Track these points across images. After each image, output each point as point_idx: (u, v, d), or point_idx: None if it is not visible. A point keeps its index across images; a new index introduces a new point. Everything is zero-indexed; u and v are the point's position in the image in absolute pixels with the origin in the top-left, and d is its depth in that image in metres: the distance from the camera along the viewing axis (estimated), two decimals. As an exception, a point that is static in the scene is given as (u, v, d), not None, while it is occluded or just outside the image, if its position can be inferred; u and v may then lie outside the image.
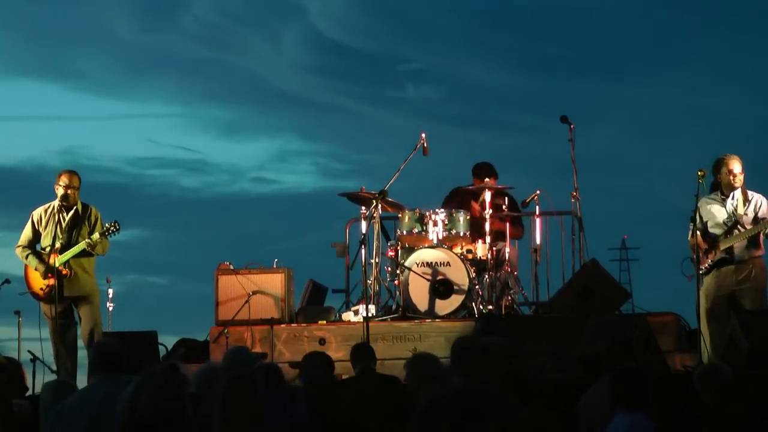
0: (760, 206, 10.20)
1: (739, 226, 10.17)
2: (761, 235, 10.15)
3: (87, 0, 23.67)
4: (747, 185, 10.31)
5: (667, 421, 6.56)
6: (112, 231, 10.77)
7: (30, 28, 23.41)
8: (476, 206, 11.90)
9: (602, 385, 6.72)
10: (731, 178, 10.19)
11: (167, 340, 11.36)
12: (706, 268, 10.21)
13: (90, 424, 5.90)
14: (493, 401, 5.74)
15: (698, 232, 10.20)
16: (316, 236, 18.49)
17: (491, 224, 11.64)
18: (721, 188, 10.27)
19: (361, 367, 8.36)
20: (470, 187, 12.08)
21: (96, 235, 10.73)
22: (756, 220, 10.17)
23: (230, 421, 5.50)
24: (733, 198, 10.24)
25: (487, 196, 11.68)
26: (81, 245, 10.73)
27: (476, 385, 5.80)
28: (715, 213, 10.26)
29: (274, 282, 11.46)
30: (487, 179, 12.00)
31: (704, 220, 10.29)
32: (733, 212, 10.21)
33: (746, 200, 10.19)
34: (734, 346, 9.53)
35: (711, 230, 10.27)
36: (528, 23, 23.16)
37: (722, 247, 10.16)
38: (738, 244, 10.15)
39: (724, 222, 10.24)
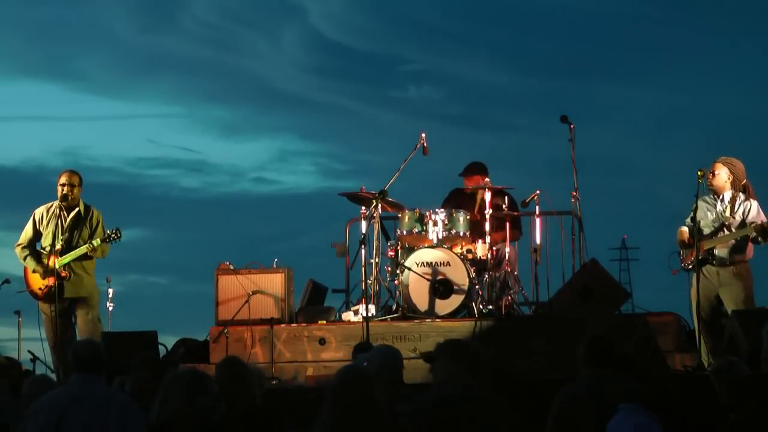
0: (749, 210, 10.23)
1: (724, 229, 10.22)
2: (748, 239, 10.17)
3: (87, 1, 23.71)
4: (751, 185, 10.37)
5: (668, 421, 6.56)
6: (114, 238, 10.78)
7: (31, 29, 23.45)
8: (476, 214, 11.89)
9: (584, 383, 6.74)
10: (707, 178, 10.27)
11: (167, 340, 11.38)
12: (689, 263, 10.24)
13: (57, 421, 5.91)
14: (485, 404, 5.74)
15: (686, 228, 10.28)
16: (316, 236, 18.51)
17: (491, 229, 11.63)
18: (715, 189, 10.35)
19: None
20: (469, 188, 12.07)
21: (97, 241, 10.75)
22: (743, 224, 10.21)
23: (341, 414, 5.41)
24: (723, 200, 10.30)
25: (487, 196, 11.68)
26: (82, 249, 10.74)
27: (469, 388, 5.80)
28: (707, 213, 10.33)
29: (274, 282, 11.46)
30: (485, 180, 11.99)
31: (698, 218, 10.35)
32: (721, 214, 10.26)
33: (734, 204, 10.22)
34: (734, 346, 9.53)
35: (702, 229, 10.32)
36: (528, 24, 23.18)
37: (705, 247, 10.21)
38: (721, 247, 10.18)
39: (711, 222, 10.29)
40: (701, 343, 10.11)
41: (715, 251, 10.20)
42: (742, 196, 10.28)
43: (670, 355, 10.32)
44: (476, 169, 12.19)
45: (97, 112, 23.97)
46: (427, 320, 11.08)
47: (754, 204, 10.25)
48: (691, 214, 10.27)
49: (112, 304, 11.47)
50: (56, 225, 10.83)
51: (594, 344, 6.76)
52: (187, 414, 5.16)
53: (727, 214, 10.24)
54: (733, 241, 10.18)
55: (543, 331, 10.72)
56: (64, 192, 10.88)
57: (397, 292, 11.35)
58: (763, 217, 10.20)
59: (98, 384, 6.09)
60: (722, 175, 10.28)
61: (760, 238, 10.07)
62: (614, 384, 6.51)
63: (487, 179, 12.02)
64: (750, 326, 9.39)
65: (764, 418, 6.36)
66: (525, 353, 10.37)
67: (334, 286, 12.31)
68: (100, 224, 10.95)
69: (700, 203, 10.33)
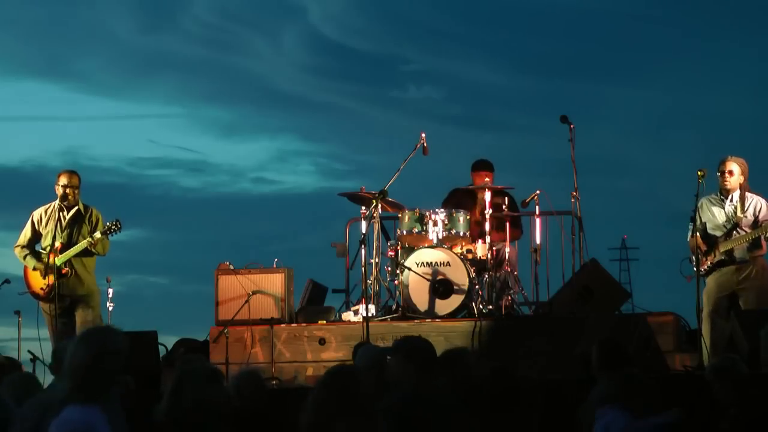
0: (760, 209, 10.19)
1: (738, 229, 10.18)
2: (762, 236, 10.16)
3: (87, 1, 23.70)
4: (749, 185, 10.34)
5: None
6: (114, 230, 10.78)
7: (30, 29, 23.44)
8: (477, 214, 11.88)
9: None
10: (721, 179, 10.23)
11: (167, 340, 11.37)
12: (705, 269, 10.22)
13: (37, 423, 5.89)
14: (439, 407, 5.74)
15: (698, 233, 10.23)
16: (316, 236, 18.51)
17: (491, 229, 11.64)
18: (720, 190, 10.30)
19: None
20: (469, 187, 12.07)
21: (98, 234, 10.75)
22: (755, 222, 10.18)
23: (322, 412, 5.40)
24: (732, 200, 10.25)
25: (487, 195, 11.68)
26: (82, 244, 10.74)
27: (425, 390, 5.81)
28: (715, 214, 10.28)
29: (274, 282, 11.46)
30: (486, 178, 11.99)
31: (704, 220, 10.31)
32: (732, 214, 10.21)
33: (743, 203, 10.19)
34: (734, 346, 9.53)
35: (711, 231, 10.28)
36: (528, 24, 23.18)
37: (722, 249, 10.17)
38: (738, 246, 10.16)
39: (723, 224, 10.24)
40: (702, 343, 10.09)
41: (734, 252, 10.17)
42: (749, 194, 10.25)
43: (670, 355, 10.31)
44: (485, 166, 12.19)
45: (97, 112, 23.97)
46: (427, 320, 11.08)
47: (764, 202, 10.23)
48: (692, 215, 10.25)
49: (112, 304, 11.46)
50: (55, 224, 10.83)
51: (606, 347, 6.77)
52: (200, 406, 5.14)
53: (739, 213, 10.19)
54: (746, 241, 10.16)
55: (543, 331, 10.72)
56: (65, 193, 10.88)
57: (397, 292, 11.35)
58: None
59: None
60: (736, 175, 10.22)
61: None
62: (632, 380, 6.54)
63: (487, 179, 12.02)
64: (750, 326, 9.39)
65: (765, 414, 6.37)
66: (525, 353, 10.37)
67: (334, 286, 12.32)
68: (100, 221, 10.94)
69: (706, 204, 10.29)
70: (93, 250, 10.80)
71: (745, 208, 10.19)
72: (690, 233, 10.27)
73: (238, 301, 11.36)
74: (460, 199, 12.12)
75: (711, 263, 10.20)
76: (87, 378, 4.78)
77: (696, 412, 7.46)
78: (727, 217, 10.23)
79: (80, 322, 10.82)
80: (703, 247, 10.23)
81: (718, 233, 10.25)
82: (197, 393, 5.06)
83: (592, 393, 6.74)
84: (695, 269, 10.22)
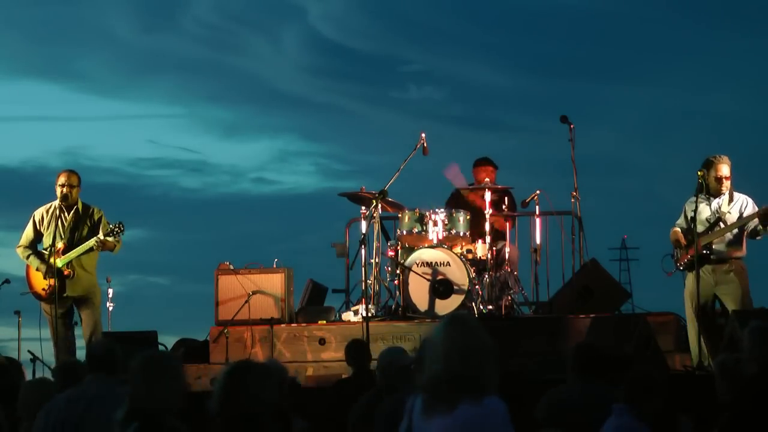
0: (746, 207, 10.14)
1: (721, 223, 10.13)
2: (744, 235, 10.12)
3: (88, 1, 23.71)
4: (746, 185, 10.32)
5: (667, 421, 6.55)
6: (117, 232, 10.75)
7: (31, 29, 23.47)
8: (476, 198, 11.87)
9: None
10: (719, 184, 10.12)
11: (167, 340, 11.39)
12: (684, 263, 10.17)
13: (79, 421, 5.90)
14: None
15: (679, 229, 10.22)
16: (316, 236, 18.53)
17: (491, 222, 11.65)
18: (709, 190, 10.19)
19: (356, 368, 8.35)
20: (470, 188, 12.08)
21: (101, 235, 10.69)
22: (740, 219, 10.14)
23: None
24: (719, 197, 10.21)
25: (487, 195, 11.68)
26: (89, 244, 10.70)
27: None
28: (701, 211, 10.19)
29: (274, 282, 11.47)
30: (486, 179, 11.99)
31: (689, 217, 10.28)
32: (717, 210, 10.16)
33: (731, 200, 10.16)
34: (734, 345, 9.52)
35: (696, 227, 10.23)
36: (528, 24, 23.20)
37: (703, 242, 10.07)
38: (718, 242, 10.09)
39: (707, 219, 10.18)
40: (699, 342, 10.08)
41: (713, 246, 10.13)
42: (736, 193, 10.22)
43: (670, 355, 10.32)
44: (485, 161, 12.20)
45: (97, 112, 23.99)
46: (427, 320, 11.08)
47: (750, 201, 10.20)
48: (686, 215, 10.22)
49: (112, 304, 11.47)
50: (56, 226, 10.82)
51: (581, 351, 6.85)
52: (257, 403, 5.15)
53: (723, 209, 10.14)
54: (730, 236, 10.09)
55: (543, 331, 10.72)
56: (63, 192, 10.87)
57: (397, 292, 11.35)
58: None
59: (116, 384, 6.08)
60: (729, 176, 10.17)
61: (759, 227, 10.01)
62: (594, 391, 6.60)
63: (487, 179, 12.01)
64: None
65: (760, 417, 6.35)
66: (525, 353, 10.37)
67: (334, 286, 12.34)
68: (103, 218, 10.91)
69: (691, 203, 10.23)
70: (100, 249, 10.75)
71: (732, 205, 10.14)
72: (676, 228, 10.27)
73: (238, 301, 11.36)
74: (462, 199, 12.14)
75: (690, 257, 10.09)
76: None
77: (696, 412, 7.46)
78: (712, 212, 10.17)
79: (85, 324, 10.82)
80: (683, 242, 10.19)
81: (701, 228, 10.17)
82: (254, 389, 5.01)
83: (561, 391, 6.76)
84: (676, 264, 10.21)
